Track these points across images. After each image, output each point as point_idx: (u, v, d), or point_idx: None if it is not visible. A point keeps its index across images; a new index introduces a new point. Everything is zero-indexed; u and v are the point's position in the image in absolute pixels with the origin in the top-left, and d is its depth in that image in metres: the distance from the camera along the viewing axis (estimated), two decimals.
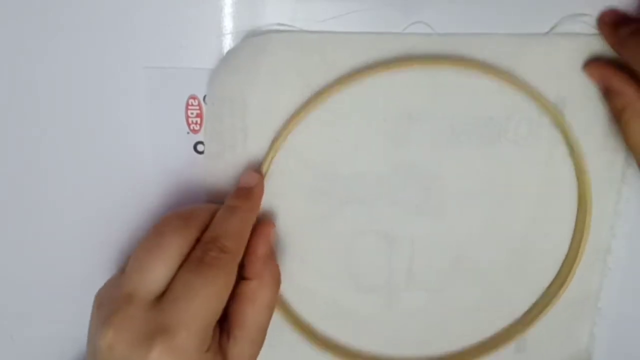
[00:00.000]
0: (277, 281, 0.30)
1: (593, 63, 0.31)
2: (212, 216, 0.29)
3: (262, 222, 0.31)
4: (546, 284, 0.35)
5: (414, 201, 0.33)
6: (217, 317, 0.27)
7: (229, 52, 0.30)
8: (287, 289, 0.34)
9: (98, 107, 0.31)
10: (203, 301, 0.26)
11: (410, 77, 0.31)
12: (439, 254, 0.34)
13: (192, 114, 0.32)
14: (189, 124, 0.32)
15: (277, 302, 0.31)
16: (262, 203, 0.31)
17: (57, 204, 0.33)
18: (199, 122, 0.32)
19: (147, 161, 0.32)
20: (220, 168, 0.32)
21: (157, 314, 0.26)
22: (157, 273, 0.27)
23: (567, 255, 0.34)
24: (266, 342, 0.30)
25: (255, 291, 0.29)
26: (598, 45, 0.31)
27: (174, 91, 0.31)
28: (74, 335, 0.35)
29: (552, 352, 0.36)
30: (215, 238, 0.28)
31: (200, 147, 0.32)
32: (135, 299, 0.26)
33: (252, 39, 0.30)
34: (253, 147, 0.31)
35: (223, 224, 0.28)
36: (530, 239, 0.34)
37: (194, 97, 0.31)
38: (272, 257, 0.31)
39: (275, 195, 0.32)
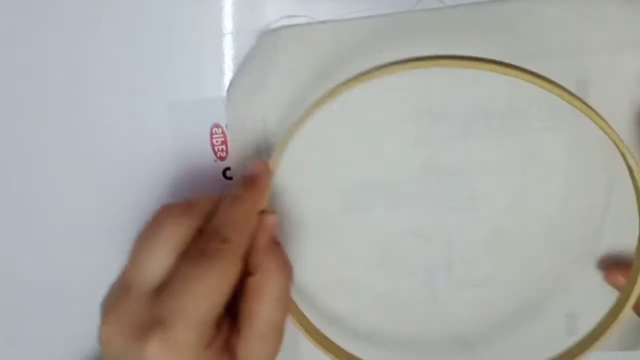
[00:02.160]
0: (285, 273, 0.28)
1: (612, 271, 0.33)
2: (215, 206, 0.28)
3: (262, 213, 0.29)
4: (586, 255, 0.35)
5: (445, 198, 0.34)
6: (218, 311, 0.26)
7: (245, 57, 0.31)
8: (324, 282, 0.35)
9: (123, 150, 0.33)
10: (201, 294, 0.25)
11: (427, 71, 0.31)
12: (477, 245, 0.35)
13: (217, 141, 0.33)
14: (215, 152, 0.33)
15: (289, 297, 0.29)
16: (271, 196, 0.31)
17: (60, 207, 0.34)
18: (224, 149, 0.33)
19: (179, 194, 0.34)
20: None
21: (154, 306, 0.25)
22: (154, 263, 0.26)
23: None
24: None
25: (260, 285, 0.27)
26: (611, 4, 0.31)
27: (197, 122, 0.32)
28: (74, 335, 0.36)
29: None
30: (217, 228, 0.27)
31: (229, 173, 0.33)
32: (132, 290, 0.26)
33: (264, 37, 0.31)
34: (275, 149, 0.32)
35: (226, 213, 0.27)
36: (568, 214, 0.34)
37: (217, 126, 0.32)
38: (278, 248, 0.29)
39: (300, 191, 0.33)
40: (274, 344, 0.27)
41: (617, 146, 0.28)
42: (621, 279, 0.33)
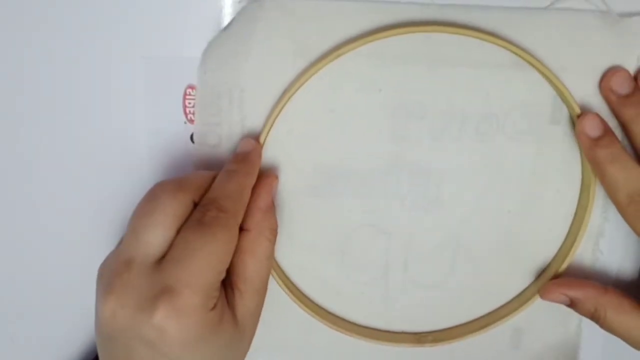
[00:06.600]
0: (274, 232, 0.31)
1: (547, 289, 0.33)
2: (208, 182, 0.29)
3: (265, 175, 0.31)
4: (541, 268, 0.35)
5: (409, 196, 0.34)
6: (221, 275, 0.27)
7: (226, 26, 0.31)
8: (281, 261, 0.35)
9: (94, 95, 0.32)
10: (204, 259, 0.26)
11: (408, 67, 0.32)
12: (435, 247, 0.35)
13: (189, 103, 0.32)
14: (186, 114, 0.33)
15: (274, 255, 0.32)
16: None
17: (53, 198, 0.34)
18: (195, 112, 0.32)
19: (142, 150, 0.33)
20: (213, 141, 0.32)
21: (159, 276, 0.25)
22: (153, 236, 0.26)
23: (565, 240, 0.35)
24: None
25: (255, 242, 0.29)
26: (595, 21, 0.31)
27: (172, 80, 0.32)
28: (74, 335, 0.36)
29: (545, 336, 0.36)
30: (214, 199, 0.28)
31: (194, 137, 0.33)
32: (134, 264, 0.26)
33: (247, 6, 0.30)
34: (248, 118, 0.32)
35: (221, 186, 0.29)
36: (526, 228, 0.34)
37: (192, 87, 0.32)
38: (272, 209, 0.31)
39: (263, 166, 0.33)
40: (263, 296, 0.30)
41: (564, 95, 0.31)
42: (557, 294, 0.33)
